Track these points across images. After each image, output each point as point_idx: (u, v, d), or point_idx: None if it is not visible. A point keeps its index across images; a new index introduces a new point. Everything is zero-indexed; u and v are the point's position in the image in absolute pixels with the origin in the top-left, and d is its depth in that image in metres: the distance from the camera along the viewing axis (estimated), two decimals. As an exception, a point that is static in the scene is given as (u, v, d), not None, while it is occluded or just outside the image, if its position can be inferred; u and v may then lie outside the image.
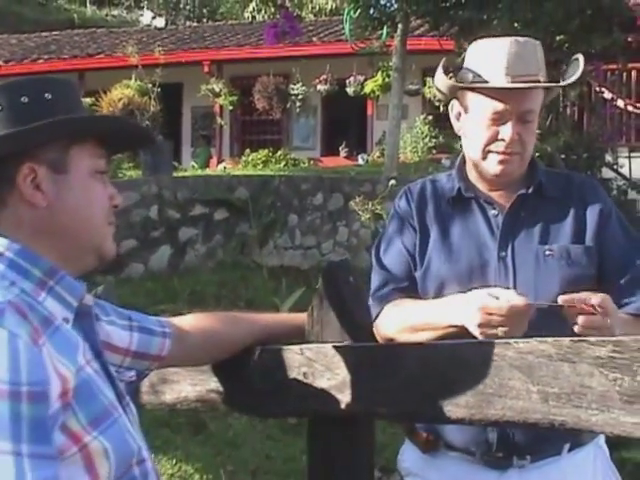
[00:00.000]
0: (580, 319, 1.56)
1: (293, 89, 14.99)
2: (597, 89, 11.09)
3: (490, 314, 1.57)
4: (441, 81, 1.93)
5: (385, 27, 10.19)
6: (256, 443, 4.82)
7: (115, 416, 1.27)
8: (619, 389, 1.24)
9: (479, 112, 1.84)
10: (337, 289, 1.69)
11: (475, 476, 1.86)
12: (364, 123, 16.18)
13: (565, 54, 8.41)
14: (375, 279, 1.92)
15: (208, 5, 29.20)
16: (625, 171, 10.41)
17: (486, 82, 1.81)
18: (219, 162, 15.03)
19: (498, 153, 1.83)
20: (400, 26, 9.80)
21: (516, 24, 8.10)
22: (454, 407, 1.44)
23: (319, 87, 14.96)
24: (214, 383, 1.81)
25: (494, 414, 1.39)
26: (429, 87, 12.94)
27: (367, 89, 14.41)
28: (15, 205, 1.29)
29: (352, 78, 14.55)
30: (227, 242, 8.41)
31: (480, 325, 1.58)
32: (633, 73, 11.65)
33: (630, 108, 11.43)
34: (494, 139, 1.83)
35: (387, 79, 12.72)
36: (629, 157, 10.70)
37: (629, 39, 9.14)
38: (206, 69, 15.93)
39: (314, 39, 15.90)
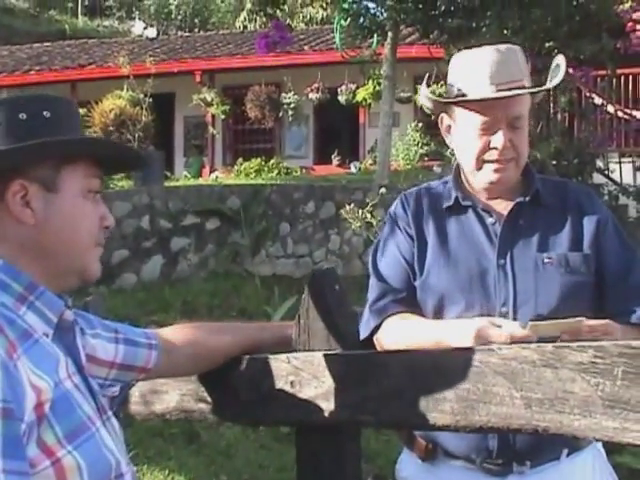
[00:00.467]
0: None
1: (285, 98, 15.02)
2: (587, 95, 11.13)
3: (490, 343, 1.57)
4: (426, 98, 1.94)
5: (375, 35, 10.22)
6: (249, 452, 4.82)
7: (92, 431, 1.27)
8: (601, 394, 1.25)
9: (468, 124, 1.84)
10: (323, 297, 1.70)
11: None
12: (356, 131, 16.21)
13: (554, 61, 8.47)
14: (373, 290, 1.89)
15: (199, 15, 29.25)
16: (616, 176, 10.46)
17: (471, 94, 1.81)
18: (212, 171, 15.03)
19: (493, 162, 1.83)
20: (390, 34, 9.83)
21: (505, 31, 8.14)
22: (439, 414, 1.45)
23: (311, 96, 14.99)
24: (202, 393, 1.82)
25: (479, 420, 1.40)
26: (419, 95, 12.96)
27: (359, 97, 14.44)
28: (2, 219, 1.30)
29: (344, 86, 14.59)
30: (219, 251, 8.41)
31: None
32: (622, 78, 11.70)
33: (620, 113, 11.47)
34: (486, 149, 1.83)
35: (378, 87, 12.75)
36: (619, 162, 10.75)
37: (618, 45, 9.18)
38: (198, 79, 15.95)
39: (305, 48, 15.94)
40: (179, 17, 29.09)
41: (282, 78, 14.86)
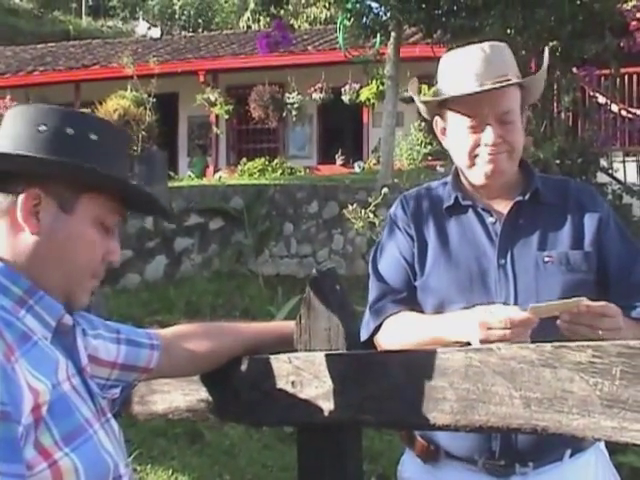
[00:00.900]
0: (597, 323, 1.55)
1: (289, 98, 15.02)
2: (591, 94, 11.12)
3: (490, 329, 1.57)
4: (417, 103, 1.95)
5: (378, 35, 10.22)
6: (253, 452, 4.82)
7: (90, 433, 1.28)
8: (599, 393, 1.26)
9: (459, 124, 1.85)
10: (324, 298, 1.70)
11: None
12: (360, 131, 16.21)
13: (558, 60, 8.46)
14: (373, 291, 1.90)
15: (203, 15, 29.29)
16: (620, 175, 10.44)
17: (456, 93, 1.82)
18: (215, 171, 15.05)
19: (488, 158, 1.83)
20: (393, 34, 9.83)
21: (508, 30, 8.13)
22: (439, 413, 1.46)
23: (314, 95, 15.00)
24: (204, 393, 1.82)
25: (478, 420, 1.41)
26: (424, 94, 12.98)
27: (362, 97, 14.44)
28: (8, 220, 1.30)
29: (347, 86, 14.59)
30: (222, 251, 8.42)
31: (482, 341, 1.58)
32: (626, 78, 11.69)
33: (624, 113, 11.46)
34: (477, 146, 1.83)
35: (382, 87, 12.75)
36: (624, 161, 10.73)
37: (621, 44, 9.16)
38: (202, 79, 15.96)
39: (309, 48, 15.94)
40: (183, 17, 29.14)
41: (286, 78, 14.86)
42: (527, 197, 1.88)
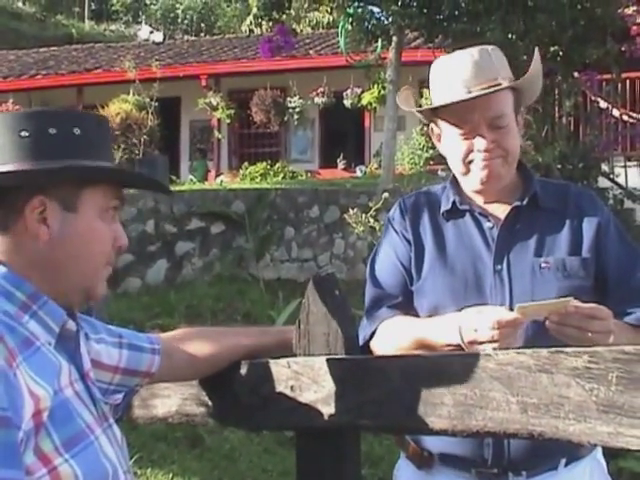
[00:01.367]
0: (586, 325, 1.55)
1: (290, 102, 15.06)
2: (592, 99, 11.13)
3: (477, 330, 1.58)
4: (409, 110, 1.97)
5: (380, 40, 10.23)
6: (253, 456, 4.83)
7: (91, 439, 1.28)
8: (595, 399, 1.26)
9: (451, 131, 1.85)
10: (323, 303, 1.71)
11: None
12: (362, 135, 16.23)
13: (559, 65, 8.47)
14: (369, 296, 1.90)
15: (206, 19, 29.34)
16: (621, 180, 10.44)
17: (445, 101, 1.81)
18: (217, 176, 15.07)
19: (482, 164, 1.82)
20: (395, 39, 9.85)
21: (510, 35, 8.15)
22: (437, 418, 1.46)
23: (316, 100, 15.03)
24: (204, 397, 1.83)
25: (475, 425, 1.41)
26: (426, 98, 12.99)
27: (364, 101, 14.47)
28: (17, 232, 1.31)
29: (349, 90, 14.62)
30: (224, 256, 8.42)
31: (470, 342, 1.59)
32: (628, 82, 11.70)
33: (625, 117, 11.47)
34: (470, 152, 1.82)
35: (384, 91, 12.76)
36: (625, 166, 10.73)
37: (623, 49, 9.17)
38: (204, 83, 15.99)
39: (311, 52, 15.97)
40: (185, 21, 29.19)
41: (287, 82, 14.89)
42: (525, 202, 1.86)
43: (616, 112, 11.35)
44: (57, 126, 1.32)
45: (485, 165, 1.82)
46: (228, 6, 29.72)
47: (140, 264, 7.93)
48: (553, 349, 1.33)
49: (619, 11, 9.22)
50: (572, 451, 1.80)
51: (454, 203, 1.90)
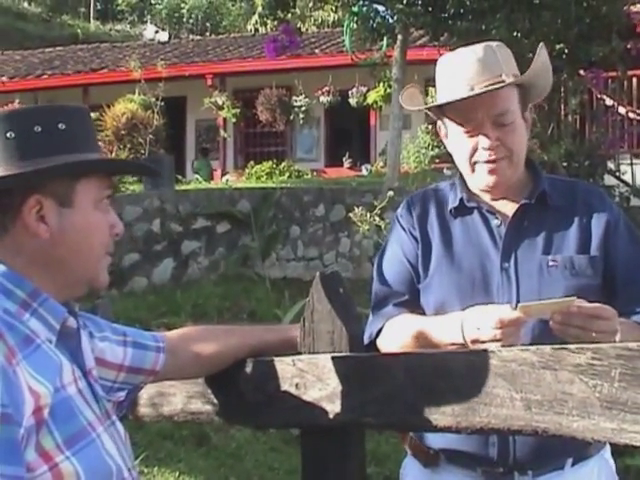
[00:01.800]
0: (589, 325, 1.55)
1: (296, 101, 15.06)
2: (598, 97, 11.10)
3: (479, 329, 1.57)
4: (419, 109, 1.97)
5: (385, 38, 10.23)
6: (259, 455, 4.84)
7: (92, 437, 1.29)
8: (599, 395, 1.27)
9: (456, 129, 1.84)
10: (328, 300, 1.71)
11: None
12: (367, 134, 16.23)
13: (564, 62, 8.46)
14: (375, 293, 1.90)
15: (211, 19, 29.37)
16: (627, 178, 10.42)
17: (448, 99, 1.81)
18: (223, 175, 15.08)
19: (485, 162, 1.81)
20: (400, 37, 9.84)
21: (515, 33, 8.14)
22: (441, 415, 1.47)
23: (322, 98, 15.03)
24: (209, 395, 1.83)
25: (479, 422, 1.42)
26: (432, 97, 12.97)
27: (370, 100, 14.47)
28: (17, 233, 1.31)
29: (354, 89, 14.61)
30: (229, 255, 8.43)
31: (473, 341, 1.59)
32: (634, 80, 11.67)
33: (631, 115, 11.44)
34: (476, 150, 1.81)
35: (389, 90, 12.75)
36: (631, 164, 10.70)
37: (628, 46, 9.16)
38: (209, 82, 16.01)
39: (316, 51, 15.98)
40: (191, 21, 29.23)
41: (293, 81, 14.90)
42: (533, 200, 1.85)
43: (622, 110, 11.31)
44: (41, 123, 1.32)
45: (491, 170, 1.81)
46: (233, 5, 29.74)
47: (146, 263, 7.94)
48: (556, 346, 1.34)
49: (625, 8, 9.21)
50: (579, 450, 1.79)
51: (461, 200, 1.89)
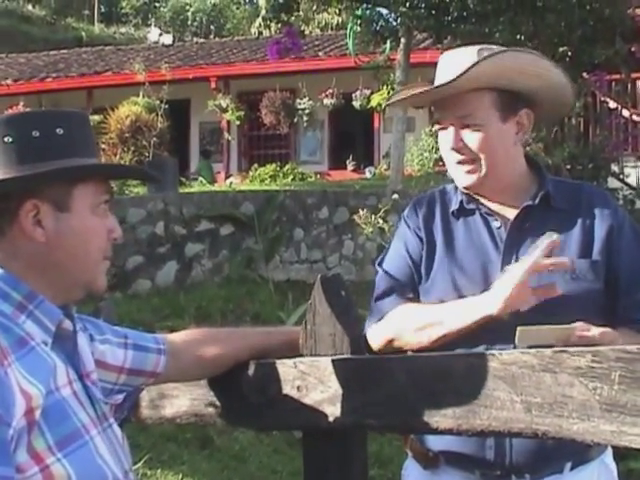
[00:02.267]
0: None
1: (300, 104, 15.08)
2: (601, 99, 11.10)
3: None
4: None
5: (388, 41, 10.25)
6: (262, 457, 4.84)
7: (85, 439, 1.29)
8: (599, 398, 1.27)
9: (437, 127, 1.88)
10: (329, 303, 1.72)
11: None
12: (371, 136, 16.24)
13: (568, 65, 8.46)
14: (379, 286, 1.90)
15: (215, 22, 29.41)
16: (631, 180, 10.42)
17: None
18: (227, 177, 15.09)
19: (455, 163, 1.83)
20: (403, 40, 9.85)
21: (518, 36, 8.14)
22: (441, 418, 1.47)
23: (325, 101, 15.05)
24: (212, 397, 1.84)
25: (480, 424, 1.42)
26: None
27: (373, 102, 14.47)
28: (14, 237, 1.32)
29: (358, 92, 14.63)
30: (233, 257, 8.44)
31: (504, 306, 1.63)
32: (637, 82, 11.67)
33: (635, 117, 11.43)
34: (446, 149, 1.85)
35: (392, 92, 12.76)
36: (635, 167, 10.70)
37: (632, 49, 9.16)
38: (213, 85, 16.05)
39: (320, 54, 16.00)
40: (195, 24, 29.28)
41: (297, 84, 14.92)
42: (537, 201, 1.84)
43: (626, 112, 11.31)
44: (39, 128, 1.32)
45: (468, 170, 1.83)
46: (237, 8, 29.78)
47: (150, 266, 7.96)
48: (556, 349, 1.34)
49: (628, 11, 9.21)
50: (578, 454, 1.78)
51: (462, 202, 1.89)
